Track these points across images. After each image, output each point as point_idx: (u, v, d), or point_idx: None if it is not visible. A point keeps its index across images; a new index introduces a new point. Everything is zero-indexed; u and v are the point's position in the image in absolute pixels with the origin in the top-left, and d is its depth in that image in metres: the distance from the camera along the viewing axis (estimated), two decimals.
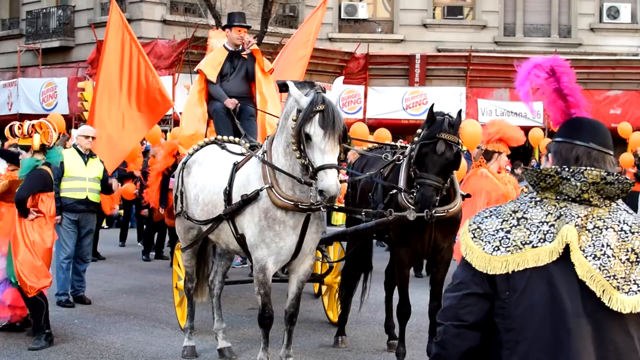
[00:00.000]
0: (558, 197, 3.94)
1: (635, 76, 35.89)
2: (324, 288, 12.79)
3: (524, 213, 3.93)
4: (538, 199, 3.99)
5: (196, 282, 10.84)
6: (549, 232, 3.86)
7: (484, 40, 37.44)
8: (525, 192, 11.40)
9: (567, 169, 3.89)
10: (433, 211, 9.09)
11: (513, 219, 3.94)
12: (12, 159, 11.62)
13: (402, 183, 9.52)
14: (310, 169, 8.09)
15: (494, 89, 35.37)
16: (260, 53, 12.78)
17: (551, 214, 3.89)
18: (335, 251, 12.65)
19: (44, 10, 37.62)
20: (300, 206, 8.61)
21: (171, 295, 12.92)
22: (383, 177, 10.03)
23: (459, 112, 9.27)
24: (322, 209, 8.74)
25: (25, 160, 11.25)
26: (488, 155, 12.48)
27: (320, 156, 8.00)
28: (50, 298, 12.01)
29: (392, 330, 11.13)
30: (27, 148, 11.35)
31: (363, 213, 9.88)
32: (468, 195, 10.58)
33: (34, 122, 11.42)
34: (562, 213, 3.88)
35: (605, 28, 38.05)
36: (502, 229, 3.94)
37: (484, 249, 3.93)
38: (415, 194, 9.11)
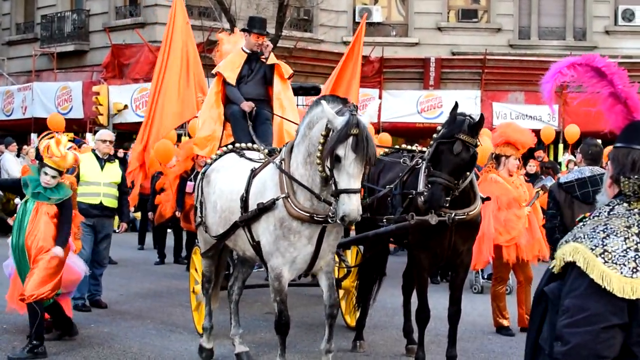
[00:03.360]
0: None
1: None
2: (341, 292, 12.72)
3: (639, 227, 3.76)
4: (638, 209, 3.84)
5: (212, 289, 10.83)
6: None
7: (499, 44, 37.34)
8: (540, 193, 11.30)
9: None
10: (453, 214, 9.05)
11: (632, 235, 3.74)
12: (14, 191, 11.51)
13: (421, 186, 9.48)
14: (334, 187, 8.07)
15: (509, 92, 35.27)
16: (280, 67, 12.66)
17: None
18: (352, 255, 12.60)
19: (59, 14, 37.68)
20: (315, 218, 8.59)
21: (188, 299, 12.89)
22: (402, 182, 9.99)
23: (482, 116, 9.23)
24: (335, 222, 8.64)
25: (62, 189, 11.11)
26: (497, 159, 12.45)
27: (346, 180, 7.95)
28: None
29: (410, 334, 11.09)
30: (60, 173, 11.07)
31: (385, 220, 9.83)
32: (488, 198, 10.54)
33: (61, 138, 11.23)
34: None
35: (621, 31, 37.94)
36: (629, 248, 3.72)
37: (621, 272, 3.68)
38: (425, 193, 9.08)
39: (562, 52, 36.34)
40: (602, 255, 3.72)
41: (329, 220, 8.51)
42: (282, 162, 8.92)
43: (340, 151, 7.93)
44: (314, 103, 8.74)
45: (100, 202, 13.78)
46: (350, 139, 7.91)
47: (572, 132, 27.31)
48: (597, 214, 3.98)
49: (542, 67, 35.82)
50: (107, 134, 14.44)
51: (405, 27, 38.27)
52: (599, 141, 10.07)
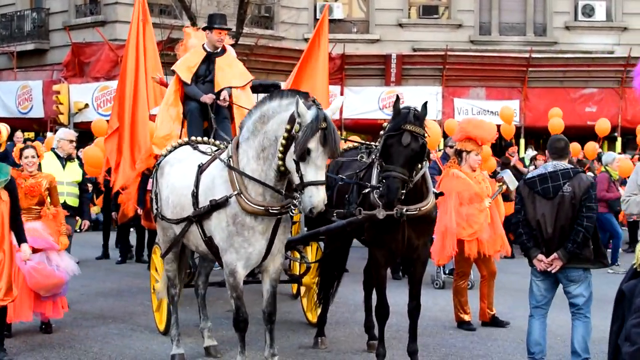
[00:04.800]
0: None
1: (611, 74, 36.00)
2: (302, 289, 12.76)
3: None
4: None
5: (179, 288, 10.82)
6: None
7: (460, 40, 37.45)
8: (503, 188, 11.46)
9: None
10: (404, 209, 9.10)
11: None
12: None
13: (374, 181, 9.53)
14: (298, 180, 8.14)
15: (470, 87, 35.46)
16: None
17: None
18: (313, 252, 12.62)
19: (18, 13, 37.35)
20: (271, 211, 8.64)
21: (149, 298, 12.86)
22: (359, 178, 10.02)
23: (424, 105, 9.31)
24: (290, 212, 8.81)
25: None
26: (460, 154, 12.55)
27: (314, 172, 8.09)
28: None
29: (371, 330, 11.12)
30: None
31: (335, 214, 9.86)
32: (441, 194, 10.62)
33: None
34: None
35: (581, 26, 38.12)
36: None
37: None
38: (381, 188, 9.11)
39: (522, 47, 36.61)
40: None
41: (290, 212, 8.66)
42: (230, 159, 8.94)
43: (311, 145, 8.05)
44: (266, 97, 8.81)
45: (65, 202, 13.71)
46: (319, 133, 8.06)
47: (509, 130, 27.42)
48: None
49: (503, 62, 36.13)
50: (72, 134, 14.37)
51: (367, 24, 38.26)
52: (564, 137, 10.17)
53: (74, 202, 13.97)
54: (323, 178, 8.16)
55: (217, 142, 10.47)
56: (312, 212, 8.10)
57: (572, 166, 9.87)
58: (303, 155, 8.08)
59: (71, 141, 13.99)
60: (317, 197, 8.02)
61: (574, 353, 9.58)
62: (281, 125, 8.37)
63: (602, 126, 26.12)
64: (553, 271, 9.46)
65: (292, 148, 8.20)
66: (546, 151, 10.55)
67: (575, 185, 9.41)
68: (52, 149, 14.22)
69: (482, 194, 12.43)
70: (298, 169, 8.15)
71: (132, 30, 14.99)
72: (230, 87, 12.52)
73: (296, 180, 8.21)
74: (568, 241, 9.32)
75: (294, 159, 8.18)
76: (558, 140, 9.95)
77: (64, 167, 13.80)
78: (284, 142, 8.30)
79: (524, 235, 9.59)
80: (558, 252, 9.37)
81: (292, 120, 8.25)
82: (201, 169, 9.41)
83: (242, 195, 8.66)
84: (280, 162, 8.36)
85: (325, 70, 16.36)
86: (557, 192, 9.41)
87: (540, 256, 9.48)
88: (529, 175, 9.80)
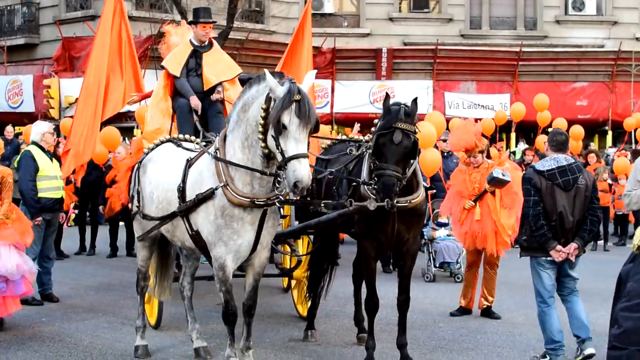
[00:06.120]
0: None
1: (601, 67, 36.12)
2: (293, 282, 12.77)
3: None
4: None
5: (158, 282, 10.85)
6: None
7: (450, 34, 37.51)
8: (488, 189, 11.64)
9: None
10: (394, 200, 9.11)
11: None
12: None
13: (364, 175, 9.54)
14: (280, 158, 8.09)
15: (461, 81, 35.55)
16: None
17: None
18: (304, 245, 12.64)
19: (8, 8, 37.29)
20: (257, 202, 8.62)
21: None
22: (348, 171, 10.04)
23: (414, 100, 9.32)
24: (277, 204, 8.82)
25: None
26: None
27: (294, 145, 8.00)
28: None
29: (361, 323, 11.12)
30: None
31: (322, 205, 9.85)
32: (431, 188, 10.71)
33: None
34: None
35: (571, 20, 38.21)
36: None
37: None
38: (375, 186, 9.12)
39: (513, 41, 36.68)
40: None
41: (269, 202, 8.64)
42: (217, 151, 8.92)
43: (285, 118, 8.00)
44: (246, 86, 8.79)
45: (61, 196, 13.76)
46: (294, 105, 8.01)
47: (519, 110, 27.48)
48: None
49: (494, 56, 36.13)
50: (51, 126, 14.28)
51: (357, 18, 38.29)
52: (564, 130, 10.45)
53: (64, 195, 13.98)
54: (305, 151, 8.06)
55: (198, 140, 10.41)
56: (297, 186, 7.95)
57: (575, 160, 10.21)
58: (279, 129, 8.02)
59: (52, 134, 13.88)
60: (300, 170, 7.91)
61: (581, 329, 10.04)
62: (259, 107, 8.35)
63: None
64: (573, 259, 9.85)
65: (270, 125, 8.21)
66: (545, 144, 10.73)
67: (586, 178, 9.88)
68: (35, 144, 13.82)
69: (464, 193, 12.80)
70: (278, 145, 8.08)
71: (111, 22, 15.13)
72: (221, 83, 12.55)
73: (279, 157, 8.14)
74: (583, 231, 9.79)
75: (272, 135, 8.13)
76: (559, 134, 10.24)
77: (52, 161, 13.72)
78: (262, 121, 8.26)
79: (545, 227, 9.76)
80: (576, 242, 9.76)
81: (268, 100, 8.25)
82: (189, 163, 9.39)
83: (228, 187, 8.63)
84: (262, 144, 8.30)
85: (309, 63, 16.43)
86: (574, 184, 9.77)
87: (559, 247, 9.74)
88: (546, 168, 9.89)
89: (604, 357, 7.32)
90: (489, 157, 13.38)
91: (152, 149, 10.46)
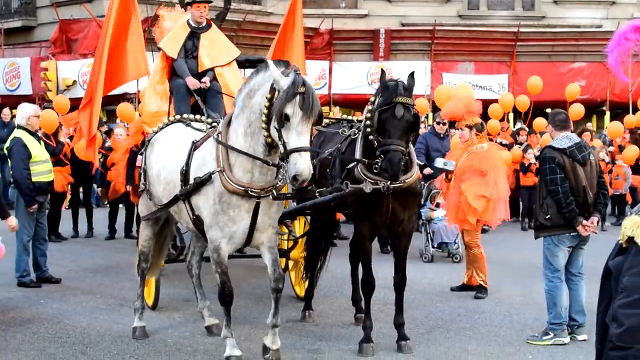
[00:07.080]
0: None
1: (599, 48, 35.60)
2: (290, 263, 12.78)
3: None
4: None
5: (152, 261, 10.86)
6: None
7: (448, 14, 37.41)
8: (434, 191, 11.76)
9: None
10: (389, 183, 9.14)
11: None
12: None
13: (357, 155, 9.55)
14: (282, 149, 8.09)
15: (459, 62, 35.49)
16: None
17: None
18: (300, 226, 12.65)
19: None
20: (250, 192, 8.61)
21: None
22: (341, 152, 10.04)
23: (411, 74, 9.34)
24: (270, 197, 8.75)
25: None
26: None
27: (296, 138, 7.99)
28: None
29: (359, 303, 11.15)
30: None
31: (317, 193, 9.82)
32: (425, 166, 10.74)
33: None
34: None
35: (569, 0, 38.12)
36: None
37: None
38: (380, 163, 9.12)
39: (511, 22, 36.58)
40: None
41: (261, 195, 8.63)
42: (219, 135, 8.91)
43: (288, 110, 7.98)
44: (253, 72, 8.75)
45: (52, 179, 13.78)
46: (298, 97, 7.99)
47: (523, 102, 27.47)
48: None
49: (491, 37, 35.96)
50: (38, 109, 14.23)
51: None
52: (562, 110, 10.68)
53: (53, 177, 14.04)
54: (306, 144, 8.08)
55: (209, 120, 10.28)
56: (297, 179, 7.99)
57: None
58: (281, 121, 8.02)
59: (38, 117, 13.80)
60: (300, 163, 7.92)
61: (579, 313, 10.26)
62: (264, 95, 8.33)
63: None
64: (597, 232, 10.27)
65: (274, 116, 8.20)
66: (547, 124, 10.85)
67: (593, 153, 10.21)
68: (21, 127, 13.65)
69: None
70: (280, 137, 8.09)
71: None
72: (213, 68, 12.56)
73: (281, 149, 8.14)
74: (599, 204, 10.14)
75: (274, 127, 8.14)
76: (559, 113, 10.42)
77: (39, 143, 13.69)
78: (266, 111, 8.25)
79: (573, 204, 9.91)
80: (597, 215, 10.11)
81: (272, 90, 8.22)
82: (195, 145, 9.38)
83: (224, 173, 8.63)
84: (265, 134, 8.30)
85: (301, 44, 16.43)
86: (587, 160, 10.00)
87: (585, 222, 9.91)
88: (562, 145, 10.02)
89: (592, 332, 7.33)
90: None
91: (162, 127, 10.47)
